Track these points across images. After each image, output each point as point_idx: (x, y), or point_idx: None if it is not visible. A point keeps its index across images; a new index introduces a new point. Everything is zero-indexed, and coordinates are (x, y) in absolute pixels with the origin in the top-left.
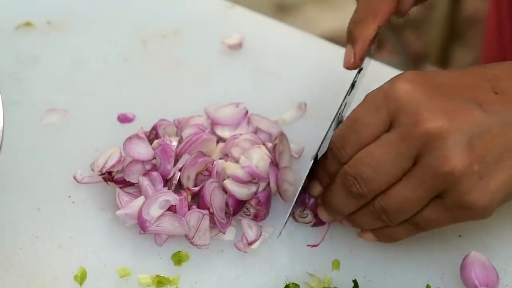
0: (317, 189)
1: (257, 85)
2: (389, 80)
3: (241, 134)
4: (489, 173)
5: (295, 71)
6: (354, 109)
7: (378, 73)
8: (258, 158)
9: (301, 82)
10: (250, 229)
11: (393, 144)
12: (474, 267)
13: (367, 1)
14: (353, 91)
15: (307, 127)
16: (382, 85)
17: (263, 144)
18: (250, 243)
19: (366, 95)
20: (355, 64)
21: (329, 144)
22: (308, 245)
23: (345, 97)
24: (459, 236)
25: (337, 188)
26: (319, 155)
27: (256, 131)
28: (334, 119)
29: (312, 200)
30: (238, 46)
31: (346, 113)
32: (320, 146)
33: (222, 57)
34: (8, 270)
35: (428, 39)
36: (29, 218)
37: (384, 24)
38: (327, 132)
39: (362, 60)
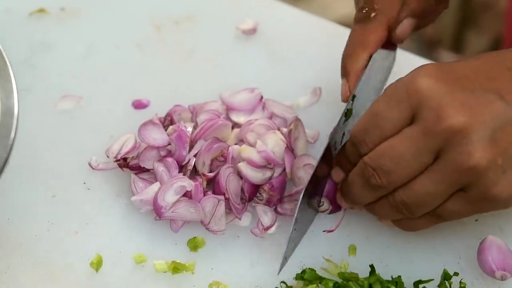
0: (339, 174)
1: (272, 70)
2: (409, 73)
3: (256, 120)
4: (511, 166)
5: (309, 56)
6: (374, 102)
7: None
8: (274, 144)
9: (316, 67)
10: (265, 214)
11: (415, 139)
12: (491, 251)
13: (356, 33)
14: (349, 120)
15: (322, 112)
16: (402, 78)
17: (278, 129)
18: (266, 228)
19: (386, 88)
20: (351, 96)
21: (350, 137)
22: (324, 231)
23: (338, 124)
24: (476, 220)
25: (356, 178)
26: (335, 146)
27: (271, 116)
28: (325, 148)
29: (328, 187)
30: (252, 31)
31: (344, 141)
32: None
33: (236, 42)
34: (23, 257)
35: (442, 24)
36: (44, 205)
37: (375, 51)
38: (320, 159)
39: (354, 90)
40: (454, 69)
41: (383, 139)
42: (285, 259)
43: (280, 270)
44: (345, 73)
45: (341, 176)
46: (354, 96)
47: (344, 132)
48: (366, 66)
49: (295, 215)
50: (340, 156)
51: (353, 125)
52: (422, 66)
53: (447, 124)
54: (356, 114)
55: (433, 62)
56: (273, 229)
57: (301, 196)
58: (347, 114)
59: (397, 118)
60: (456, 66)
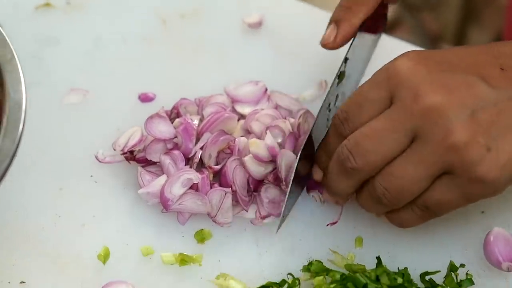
0: (318, 173)
1: (277, 64)
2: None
3: (262, 109)
4: (497, 146)
5: (314, 49)
6: (361, 85)
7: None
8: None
9: (321, 60)
10: (262, 204)
11: (392, 118)
12: (497, 242)
13: None
14: (344, 81)
15: None
16: (387, 63)
17: (285, 118)
18: (263, 217)
19: (375, 73)
20: (333, 44)
21: (332, 120)
22: (328, 224)
23: (332, 86)
24: (482, 212)
25: (333, 166)
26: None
27: (276, 107)
28: (320, 110)
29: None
30: (258, 25)
31: (338, 103)
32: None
33: (242, 36)
34: (30, 249)
35: (444, 20)
36: (51, 198)
37: (372, 13)
38: (314, 123)
39: (342, 44)
40: (437, 54)
41: (363, 120)
42: (283, 217)
43: (278, 228)
44: (336, 20)
45: (320, 174)
46: (346, 59)
47: (337, 94)
48: (359, 26)
49: (294, 169)
50: (320, 150)
51: (346, 87)
52: (406, 52)
53: (424, 103)
54: (349, 76)
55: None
56: (270, 218)
57: (298, 156)
58: (340, 76)
59: (376, 99)
60: (440, 52)
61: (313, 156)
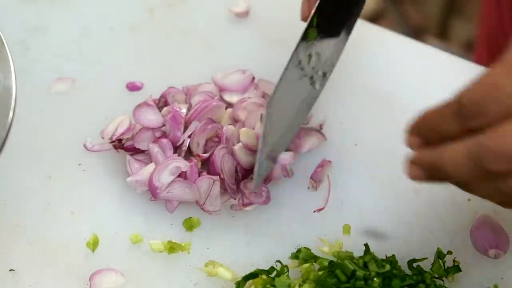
0: (417, 142)
1: (265, 53)
2: None
3: (249, 98)
4: None
5: None
6: (489, 71)
7: (384, 39)
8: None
9: None
10: (244, 194)
11: None
12: (484, 229)
13: None
14: (317, 43)
15: None
16: None
17: None
18: (245, 205)
19: (505, 57)
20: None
21: (450, 105)
22: (315, 211)
23: (299, 44)
24: (469, 199)
25: (460, 157)
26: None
27: (264, 96)
28: (288, 67)
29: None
30: (245, 14)
31: (313, 64)
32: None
33: (229, 25)
34: (19, 237)
35: (428, 12)
36: (40, 186)
37: None
38: (282, 75)
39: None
40: None
41: (503, 117)
42: (259, 176)
43: (254, 185)
44: None
45: (417, 143)
46: (314, 16)
47: (310, 53)
48: None
49: (263, 128)
50: (424, 124)
51: (323, 49)
52: None
53: None
54: (323, 38)
55: None
56: (252, 206)
57: (266, 110)
58: (310, 33)
59: None
60: None
61: (285, 115)
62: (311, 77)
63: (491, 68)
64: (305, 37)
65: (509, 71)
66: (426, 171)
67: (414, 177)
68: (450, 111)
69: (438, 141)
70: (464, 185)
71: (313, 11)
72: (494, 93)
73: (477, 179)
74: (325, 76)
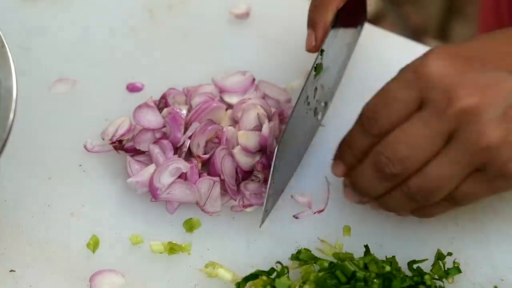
0: (340, 169)
1: (265, 54)
2: (420, 56)
3: (250, 99)
4: None
5: (302, 39)
6: (387, 83)
7: (385, 41)
8: (256, 119)
9: None
10: (244, 195)
11: (427, 122)
12: None
13: None
14: (320, 75)
15: None
16: (413, 61)
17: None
18: (246, 206)
19: (399, 70)
20: (316, 47)
21: (358, 117)
22: (315, 212)
23: (308, 79)
24: None
25: (367, 169)
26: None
27: (264, 97)
28: (297, 103)
29: None
30: (245, 15)
31: (317, 96)
32: (284, 132)
33: (230, 26)
34: (20, 238)
35: (428, 13)
36: (40, 187)
37: (342, 6)
38: (290, 117)
39: (322, 43)
40: (465, 50)
41: (393, 120)
42: (266, 212)
43: (261, 224)
44: (311, 23)
45: (342, 170)
46: (322, 51)
47: (316, 87)
48: (332, 20)
49: (272, 167)
50: (345, 147)
51: (326, 79)
52: (432, 49)
53: (458, 106)
54: (327, 68)
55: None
56: (252, 208)
57: (276, 149)
58: (317, 68)
59: (406, 100)
60: (467, 47)
61: (291, 151)
62: (315, 109)
63: (388, 82)
64: (313, 71)
65: (400, 81)
66: (355, 192)
67: (352, 201)
68: (358, 126)
69: (357, 162)
70: (382, 202)
71: (322, 44)
72: (384, 98)
73: (385, 189)
74: (326, 105)
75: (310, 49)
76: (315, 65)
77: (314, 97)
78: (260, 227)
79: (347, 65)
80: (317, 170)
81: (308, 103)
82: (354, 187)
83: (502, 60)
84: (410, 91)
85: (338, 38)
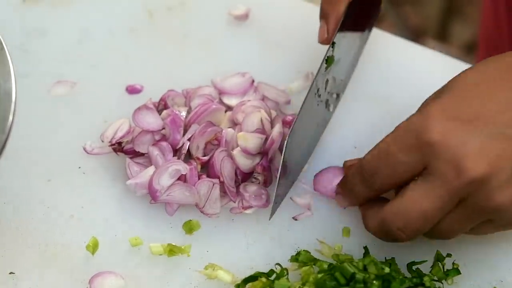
0: (342, 202)
1: (264, 56)
2: (418, 113)
3: (249, 101)
4: None
5: (301, 41)
6: (385, 138)
7: (385, 42)
8: (259, 122)
9: (308, 52)
10: (244, 197)
11: (437, 195)
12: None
13: None
14: (333, 67)
15: None
16: (412, 118)
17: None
18: (245, 208)
19: (397, 127)
20: (328, 39)
21: (357, 165)
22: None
23: (319, 71)
24: None
25: (376, 231)
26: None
27: (263, 99)
28: (308, 95)
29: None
30: (245, 17)
31: (329, 88)
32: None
33: (229, 28)
34: (19, 240)
35: (427, 14)
36: (40, 189)
37: None
38: (301, 108)
39: (334, 35)
40: (465, 106)
41: (393, 180)
42: (275, 204)
43: (271, 216)
44: (324, 15)
45: (346, 202)
46: (334, 43)
47: (327, 79)
48: (344, 12)
49: (281, 160)
50: (344, 189)
51: (337, 72)
52: (431, 103)
53: (467, 178)
54: (339, 60)
55: (440, 98)
56: (252, 210)
57: (286, 142)
58: (328, 61)
59: (408, 163)
60: (466, 101)
61: (302, 143)
62: (326, 101)
63: (387, 135)
64: (324, 64)
65: (397, 142)
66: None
67: (343, 205)
68: (358, 176)
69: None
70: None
71: (334, 37)
72: (386, 160)
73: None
74: (338, 97)
75: (322, 41)
76: (326, 58)
77: (325, 89)
78: (269, 219)
79: (360, 56)
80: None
81: (319, 95)
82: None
83: (502, 113)
84: (412, 155)
85: (350, 31)
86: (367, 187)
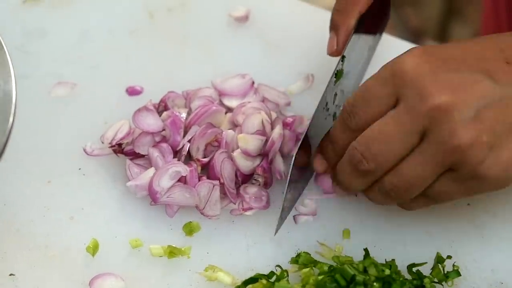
0: (323, 165)
1: (264, 57)
2: (400, 54)
3: (249, 102)
4: (500, 143)
5: (301, 43)
6: (367, 79)
7: (385, 44)
8: (260, 124)
9: (308, 54)
10: (244, 198)
11: (400, 120)
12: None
13: None
14: (342, 80)
15: (314, 98)
16: (393, 59)
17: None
18: (245, 209)
19: (381, 67)
20: (338, 51)
21: (341, 112)
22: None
23: (328, 85)
24: (468, 204)
25: (345, 166)
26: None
27: (263, 100)
28: (317, 109)
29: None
30: (245, 18)
31: (337, 101)
32: (304, 136)
33: (229, 29)
34: (19, 242)
35: (427, 15)
36: (40, 191)
37: (365, 10)
38: (310, 122)
39: (344, 47)
40: (443, 50)
41: (369, 115)
42: (281, 220)
43: (276, 231)
44: (334, 27)
45: (324, 165)
46: (343, 57)
47: (336, 93)
48: (355, 25)
49: (289, 175)
50: (325, 139)
51: (345, 85)
52: (411, 48)
53: (430, 104)
54: (347, 74)
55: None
56: (252, 211)
57: (293, 157)
58: (337, 74)
59: (382, 96)
60: (445, 48)
61: (310, 156)
62: (334, 114)
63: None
64: (333, 78)
65: (377, 78)
66: (339, 187)
67: (339, 196)
68: (339, 122)
69: (338, 158)
70: (366, 195)
71: (344, 51)
72: (362, 95)
73: (363, 185)
74: None
75: (331, 53)
76: (335, 71)
77: (333, 102)
78: (274, 235)
79: (367, 69)
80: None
81: (328, 109)
82: (339, 184)
83: (480, 63)
84: (386, 87)
85: (360, 43)
86: (346, 130)
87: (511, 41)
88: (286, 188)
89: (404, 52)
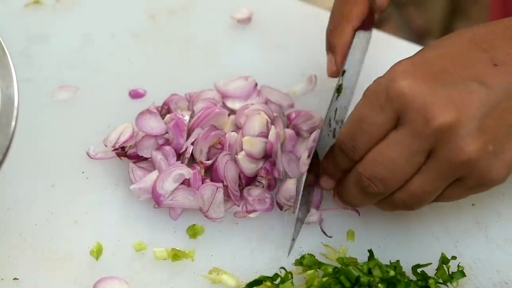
0: (329, 183)
1: (267, 59)
2: (387, 74)
3: (252, 104)
4: (503, 148)
5: (304, 44)
6: (356, 106)
7: (388, 45)
8: (260, 125)
9: (311, 55)
10: (248, 201)
11: (405, 143)
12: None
13: (338, 6)
14: (340, 96)
15: (317, 99)
16: (380, 80)
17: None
18: (249, 212)
19: (366, 91)
20: (337, 71)
21: (337, 142)
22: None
23: (332, 102)
24: (473, 205)
25: (352, 188)
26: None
27: (266, 102)
28: (323, 126)
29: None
30: (247, 20)
31: (337, 117)
32: (310, 153)
33: (231, 31)
34: (23, 246)
35: (431, 15)
36: (43, 195)
37: (360, 24)
38: (317, 141)
39: (343, 66)
40: (429, 62)
41: (372, 144)
42: (293, 241)
43: (289, 252)
44: (330, 47)
45: (331, 184)
46: (344, 72)
47: (336, 108)
48: (351, 40)
49: (299, 196)
50: (327, 161)
51: (344, 98)
52: (397, 64)
53: (435, 125)
54: (345, 88)
55: (407, 59)
56: (256, 213)
57: (304, 178)
58: (339, 89)
59: (382, 122)
60: (431, 59)
61: (318, 175)
62: (334, 130)
63: (357, 104)
64: (335, 93)
65: (368, 104)
66: (344, 203)
67: (341, 206)
68: (339, 150)
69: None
70: (376, 204)
71: (343, 65)
72: (359, 126)
73: (372, 203)
74: (342, 122)
75: (331, 75)
76: (337, 86)
77: (334, 118)
78: (288, 256)
79: (357, 81)
80: None
81: (330, 125)
82: (343, 200)
83: (468, 70)
84: (384, 114)
85: (355, 56)
86: (350, 160)
87: (489, 36)
88: (297, 208)
89: (392, 71)
